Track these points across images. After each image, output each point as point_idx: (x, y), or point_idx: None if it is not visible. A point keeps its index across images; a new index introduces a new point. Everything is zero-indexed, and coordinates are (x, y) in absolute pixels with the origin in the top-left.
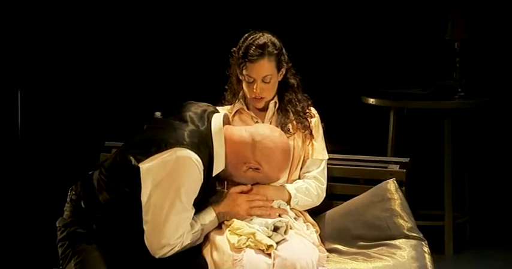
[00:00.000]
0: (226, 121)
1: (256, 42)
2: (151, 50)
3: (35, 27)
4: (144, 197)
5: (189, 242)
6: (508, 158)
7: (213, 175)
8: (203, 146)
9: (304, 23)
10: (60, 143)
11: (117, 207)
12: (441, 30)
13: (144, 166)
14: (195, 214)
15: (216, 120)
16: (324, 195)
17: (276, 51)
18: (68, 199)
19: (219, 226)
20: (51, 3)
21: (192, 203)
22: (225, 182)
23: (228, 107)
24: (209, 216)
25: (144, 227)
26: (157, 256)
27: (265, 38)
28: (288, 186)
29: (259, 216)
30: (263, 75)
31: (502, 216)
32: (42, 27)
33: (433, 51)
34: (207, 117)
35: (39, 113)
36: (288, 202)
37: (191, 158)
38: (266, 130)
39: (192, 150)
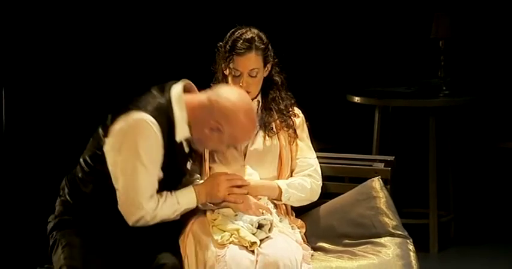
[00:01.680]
0: (189, 89)
1: (243, 36)
2: (136, 48)
3: (20, 26)
4: (110, 167)
5: (163, 213)
6: (492, 156)
7: (177, 140)
8: (160, 110)
9: (290, 21)
10: (45, 141)
11: (99, 191)
12: (426, 28)
13: (107, 138)
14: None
15: (176, 88)
16: (319, 191)
17: (263, 46)
18: (59, 196)
19: (203, 222)
20: (34, 1)
21: (159, 167)
22: (209, 169)
23: None
24: (188, 193)
25: (117, 195)
26: (130, 223)
27: (252, 32)
28: (279, 182)
29: (242, 209)
30: (250, 68)
31: (487, 214)
32: (26, 26)
33: (418, 49)
34: (167, 87)
35: (24, 111)
36: (279, 198)
37: (145, 120)
38: (223, 89)
39: (145, 112)
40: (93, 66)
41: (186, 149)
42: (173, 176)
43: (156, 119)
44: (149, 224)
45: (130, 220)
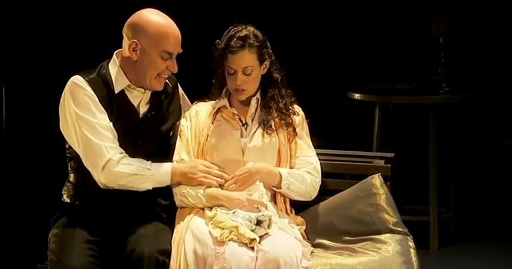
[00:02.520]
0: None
1: (237, 34)
2: None
3: (20, 25)
4: (68, 141)
5: (130, 169)
6: (492, 153)
7: (116, 91)
8: (93, 71)
9: (290, 18)
10: (46, 139)
11: (79, 177)
12: (426, 25)
13: None
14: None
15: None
16: (318, 188)
17: (257, 44)
18: None
19: (201, 219)
20: (34, 1)
21: (104, 116)
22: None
23: (213, 102)
24: (164, 164)
25: (83, 160)
26: (96, 175)
27: (247, 30)
28: (280, 168)
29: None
30: (243, 66)
31: (487, 211)
32: (26, 25)
33: (418, 46)
34: None
35: (24, 109)
36: (279, 185)
37: (71, 80)
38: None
39: (76, 75)
40: (93, 64)
41: (141, 110)
42: (132, 136)
43: (84, 77)
44: (116, 181)
45: (96, 171)
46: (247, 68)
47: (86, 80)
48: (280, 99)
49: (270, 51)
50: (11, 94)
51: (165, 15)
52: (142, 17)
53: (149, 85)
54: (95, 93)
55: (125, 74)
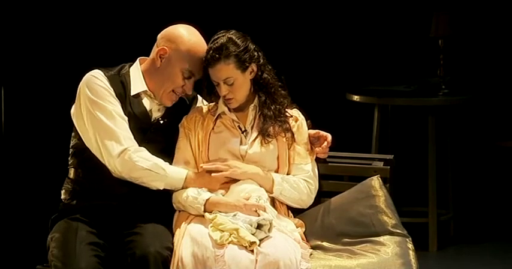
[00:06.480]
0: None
1: (213, 46)
2: (137, 48)
3: (20, 26)
4: (79, 130)
5: (145, 164)
6: (492, 155)
7: (132, 93)
8: (112, 68)
9: (289, 20)
10: (45, 140)
11: (81, 172)
12: (425, 27)
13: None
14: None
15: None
16: (314, 196)
17: (234, 52)
18: None
19: (201, 222)
20: (34, 2)
21: (119, 107)
22: None
23: (213, 105)
24: (179, 172)
25: (96, 151)
26: (118, 168)
27: (224, 39)
28: (274, 174)
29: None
30: (222, 78)
31: (486, 213)
32: (26, 26)
33: (417, 48)
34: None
35: (23, 110)
36: (271, 189)
37: (90, 73)
38: None
39: (94, 69)
40: (93, 65)
41: (153, 115)
42: (138, 138)
43: (103, 72)
44: (130, 172)
45: (112, 158)
46: (227, 79)
47: (105, 75)
48: (273, 105)
49: (256, 54)
50: (10, 96)
51: (201, 37)
52: (181, 30)
53: (160, 97)
54: (112, 88)
55: (144, 80)
